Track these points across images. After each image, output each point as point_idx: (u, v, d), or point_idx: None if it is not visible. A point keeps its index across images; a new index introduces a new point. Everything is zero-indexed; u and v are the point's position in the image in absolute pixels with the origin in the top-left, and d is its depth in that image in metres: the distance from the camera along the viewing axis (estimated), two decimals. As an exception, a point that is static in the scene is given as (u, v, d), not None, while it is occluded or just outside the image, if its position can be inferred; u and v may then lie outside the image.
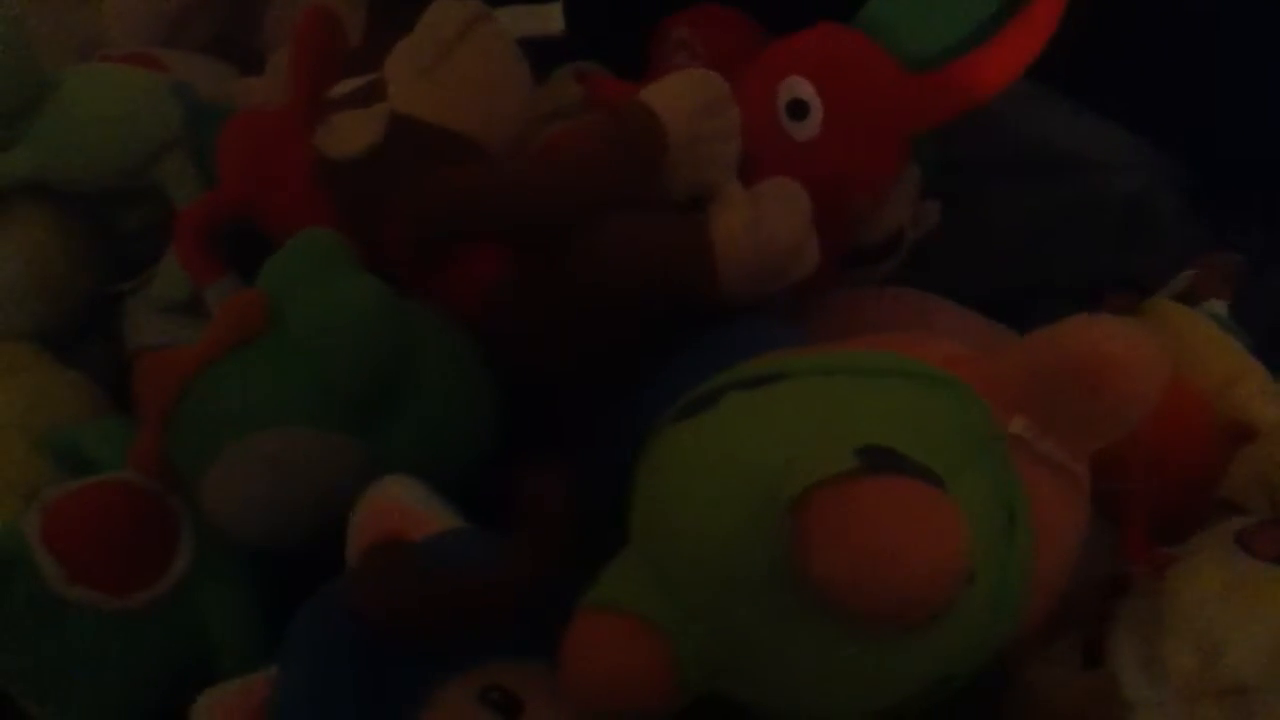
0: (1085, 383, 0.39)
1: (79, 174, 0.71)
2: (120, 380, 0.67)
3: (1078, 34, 0.64)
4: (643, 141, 0.58)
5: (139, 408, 0.55)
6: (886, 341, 0.44)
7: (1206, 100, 0.79)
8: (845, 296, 0.67)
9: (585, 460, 0.50)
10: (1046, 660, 0.43)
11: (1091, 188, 0.79)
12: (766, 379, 0.42)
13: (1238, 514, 0.48)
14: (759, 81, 0.64)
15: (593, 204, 0.55)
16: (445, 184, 0.57)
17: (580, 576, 0.44)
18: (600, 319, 0.55)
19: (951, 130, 0.67)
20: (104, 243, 0.76)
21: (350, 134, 0.63)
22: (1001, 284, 0.75)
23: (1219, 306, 0.74)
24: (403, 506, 0.50)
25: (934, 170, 0.72)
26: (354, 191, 0.63)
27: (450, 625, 0.43)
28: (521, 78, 0.69)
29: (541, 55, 0.73)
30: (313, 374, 0.51)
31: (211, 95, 0.79)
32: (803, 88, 0.63)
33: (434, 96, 0.64)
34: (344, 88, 0.67)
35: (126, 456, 0.55)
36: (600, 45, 0.84)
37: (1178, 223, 0.80)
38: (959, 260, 0.77)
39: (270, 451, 0.51)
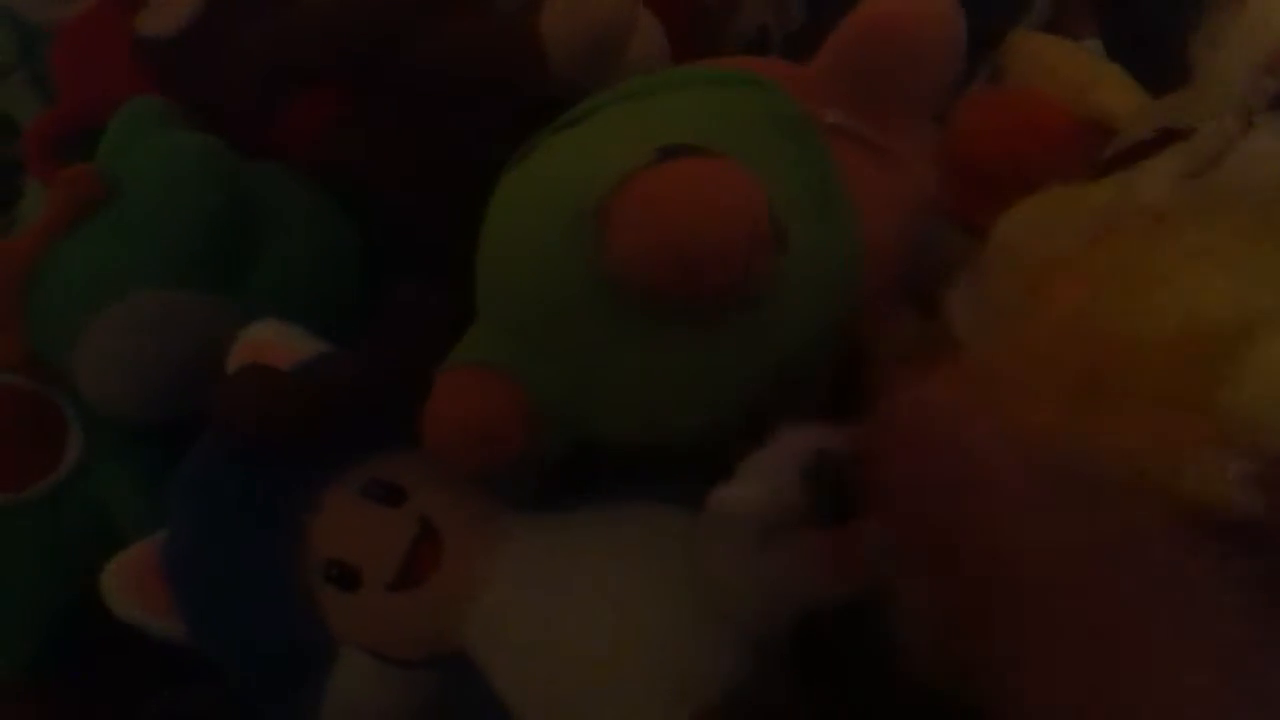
0: (879, 44, 0.39)
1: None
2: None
3: None
4: None
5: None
6: (703, 63, 0.44)
7: None
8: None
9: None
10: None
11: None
12: (578, 119, 0.42)
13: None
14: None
15: (415, 13, 0.55)
16: (267, 34, 0.56)
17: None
18: (440, 130, 0.54)
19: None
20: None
21: (170, 10, 0.62)
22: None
23: (1094, 45, 0.73)
24: (272, 344, 0.49)
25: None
26: (183, 66, 0.61)
27: (316, 419, 0.44)
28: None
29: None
30: (155, 233, 0.51)
31: (46, 21, 0.77)
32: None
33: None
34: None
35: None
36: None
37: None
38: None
39: (129, 320, 0.51)
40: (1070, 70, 0.61)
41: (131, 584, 0.47)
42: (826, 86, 0.41)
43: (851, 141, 0.40)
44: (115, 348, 0.51)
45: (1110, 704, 0.28)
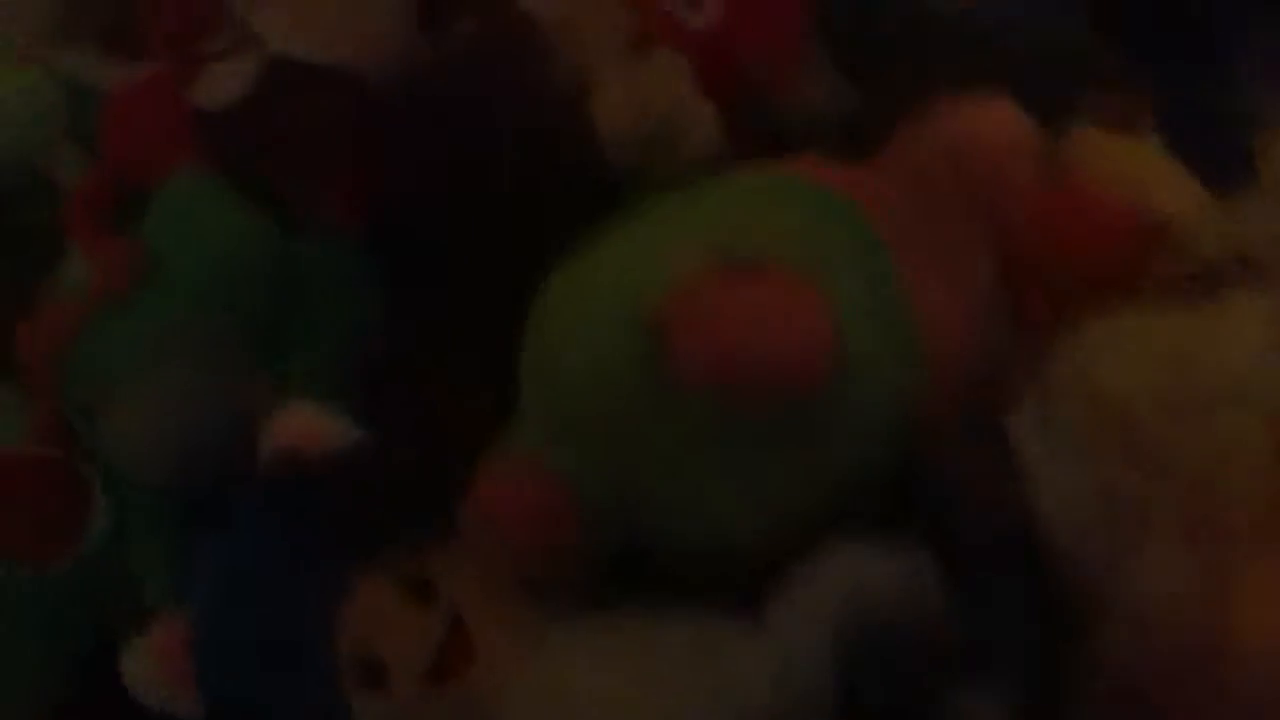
0: (956, 163, 0.38)
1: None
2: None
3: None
4: (521, 43, 0.58)
5: (27, 374, 0.54)
6: (762, 162, 0.43)
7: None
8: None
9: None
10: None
11: (989, 46, 0.78)
12: (633, 214, 0.41)
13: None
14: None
15: (473, 105, 0.55)
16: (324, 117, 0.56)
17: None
18: (487, 207, 0.54)
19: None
20: (10, 243, 0.75)
21: (224, 83, 0.62)
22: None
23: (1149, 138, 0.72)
24: (307, 430, 0.49)
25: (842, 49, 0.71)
26: (235, 137, 0.61)
27: (350, 511, 0.43)
28: (399, 8, 0.68)
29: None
30: (194, 312, 0.51)
31: (104, 86, 0.78)
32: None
33: (304, 33, 0.63)
34: (216, 40, 0.66)
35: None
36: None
37: (1088, 65, 0.79)
38: (880, 136, 0.76)
39: (164, 392, 0.51)
40: (1129, 168, 0.59)
41: (156, 664, 0.47)
42: (893, 195, 0.40)
43: (917, 251, 0.39)
44: (147, 420, 0.51)
45: None
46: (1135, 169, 0.59)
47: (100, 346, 0.51)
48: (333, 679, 0.43)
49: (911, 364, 0.38)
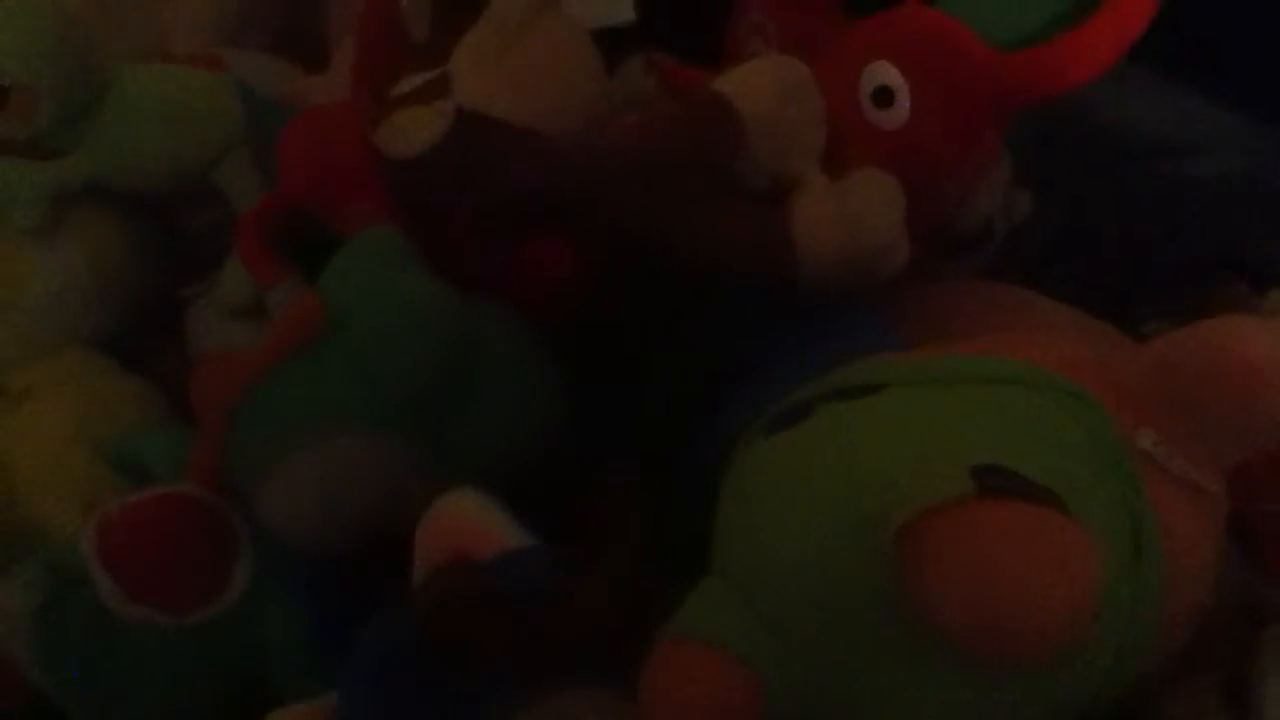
0: (1228, 392, 0.35)
1: (138, 176, 0.70)
2: (185, 386, 0.66)
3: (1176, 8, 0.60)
4: (719, 132, 0.55)
5: (197, 417, 0.53)
6: (995, 344, 0.40)
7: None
8: (938, 292, 0.63)
9: (663, 467, 0.47)
10: (1186, 696, 0.39)
11: (1184, 171, 0.74)
12: (865, 389, 0.39)
13: None
14: (841, 67, 0.60)
15: (667, 195, 0.53)
16: (513, 177, 0.55)
17: (658, 596, 0.41)
18: (676, 312, 0.52)
19: (1037, 114, 0.64)
20: (169, 246, 0.75)
21: (413, 131, 0.61)
22: (1098, 274, 0.71)
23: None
24: (467, 523, 0.47)
25: (1023, 157, 0.68)
26: (418, 189, 0.60)
27: (514, 655, 0.41)
28: (591, 68, 0.67)
29: (612, 44, 0.70)
30: (372, 380, 0.49)
31: (274, 95, 0.77)
32: (888, 74, 0.59)
33: (500, 90, 0.62)
34: (408, 84, 0.65)
35: (185, 468, 0.53)
36: (673, 32, 0.81)
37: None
38: (1052, 250, 0.73)
39: (330, 460, 0.49)
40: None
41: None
42: (1143, 402, 0.37)
43: (1162, 471, 0.36)
44: (309, 486, 0.50)
45: None
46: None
47: (271, 405, 0.50)
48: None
49: (1157, 594, 0.35)
